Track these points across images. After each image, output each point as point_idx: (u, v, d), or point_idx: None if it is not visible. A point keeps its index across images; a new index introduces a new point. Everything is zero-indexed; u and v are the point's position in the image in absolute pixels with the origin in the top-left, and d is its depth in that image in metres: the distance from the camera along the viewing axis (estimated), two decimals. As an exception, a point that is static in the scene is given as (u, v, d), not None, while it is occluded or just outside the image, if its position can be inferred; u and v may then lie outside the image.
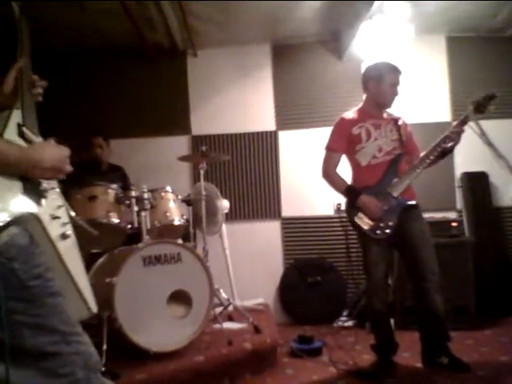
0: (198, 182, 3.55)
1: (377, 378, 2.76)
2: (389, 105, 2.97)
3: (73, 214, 1.52)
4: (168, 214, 3.15)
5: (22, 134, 1.28)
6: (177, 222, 3.19)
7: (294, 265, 4.61)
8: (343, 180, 2.94)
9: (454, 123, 2.81)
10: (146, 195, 3.00)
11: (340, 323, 4.21)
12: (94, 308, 1.47)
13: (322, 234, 4.64)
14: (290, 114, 4.75)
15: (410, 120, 3.17)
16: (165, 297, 2.67)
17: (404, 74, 2.99)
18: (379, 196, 2.79)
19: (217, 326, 3.14)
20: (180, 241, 3.38)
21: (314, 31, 4.60)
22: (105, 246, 3.05)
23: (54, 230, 1.31)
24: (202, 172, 3.44)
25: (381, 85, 2.90)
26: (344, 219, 3.07)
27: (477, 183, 4.51)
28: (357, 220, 2.83)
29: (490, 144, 2.61)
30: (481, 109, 2.67)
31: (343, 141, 2.94)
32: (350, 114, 3.01)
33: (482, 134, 2.62)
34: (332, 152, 2.97)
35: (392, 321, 3.09)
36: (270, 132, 4.76)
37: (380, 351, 2.91)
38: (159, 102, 4.72)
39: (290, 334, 3.67)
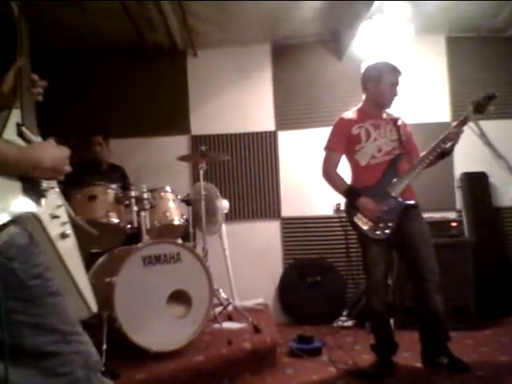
0: (198, 182, 3.55)
1: (377, 377, 2.76)
2: (388, 105, 2.97)
3: (72, 213, 1.52)
4: (168, 214, 3.15)
5: (21, 134, 1.27)
6: (176, 222, 3.19)
7: (293, 265, 4.61)
8: (343, 180, 2.94)
9: (454, 123, 2.81)
10: (145, 195, 3.00)
11: (340, 323, 4.21)
12: (94, 307, 1.47)
13: (322, 234, 4.64)
14: (290, 114, 4.75)
15: (409, 120, 3.17)
16: (164, 296, 2.67)
17: (404, 75, 2.99)
18: (378, 196, 2.79)
19: (216, 325, 3.14)
20: (180, 241, 3.38)
21: (313, 31, 4.61)
22: (104, 245, 3.05)
23: (54, 229, 1.31)
24: (201, 172, 3.44)
25: (380, 85, 2.90)
26: (344, 219, 3.08)
27: (476, 183, 4.52)
28: (356, 220, 2.83)
29: (489, 144, 2.60)
30: (480, 109, 2.67)
31: (343, 141, 2.94)
32: (350, 114, 3.01)
33: (482, 135, 2.62)
34: (332, 152, 2.97)
35: (392, 321, 3.09)
36: (270, 132, 4.76)
37: (380, 351, 2.91)
38: (159, 101, 4.72)
39: (289, 333, 3.67)
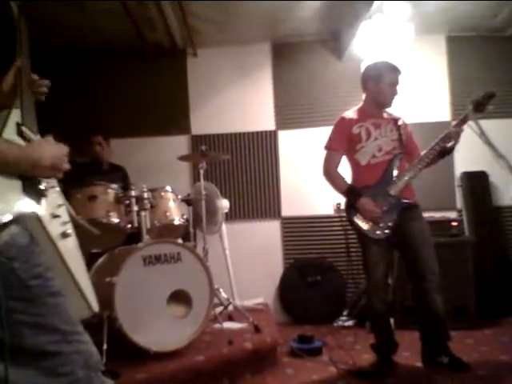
0: (198, 182, 3.55)
1: (377, 377, 2.76)
2: (388, 104, 2.97)
3: (73, 212, 1.52)
4: (168, 214, 3.15)
5: (21, 133, 1.27)
6: (177, 222, 3.19)
7: (293, 264, 4.61)
8: (344, 180, 2.94)
9: (454, 122, 2.81)
10: (145, 195, 3.00)
11: (340, 323, 4.21)
12: (96, 307, 1.46)
13: (322, 234, 4.64)
14: (290, 114, 4.75)
15: (409, 119, 3.17)
16: (165, 296, 2.67)
17: (404, 74, 2.99)
18: (379, 196, 2.79)
19: (217, 325, 3.13)
20: (180, 240, 3.38)
21: (313, 31, 4.61)
22: (105, 245, 3.05)
23: (55, 228, 1.30)
24: (201, 171, 3.44)
25: (380, 84, 2.90)
26: (344, 219, 3.07)
27: (477, 183, 4.52)
28: (356, 220, 2.83)
29: (489, 143, 2.60)
30: (480, 108, 2.67)
31: (343, 140, 2.94)
32: (350, 113, 3.01)
33: (482, 134, 2.62)
34: (332, 151, 2.97)
35: (392, 320, 3.09)
36: (270, 132, 4.76)
37: (380, 351, 2.91)
38: (159, 101, 4.72)
39: (289, 333, 3.67)
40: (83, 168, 3.67)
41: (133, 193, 2.99)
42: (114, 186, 3.04)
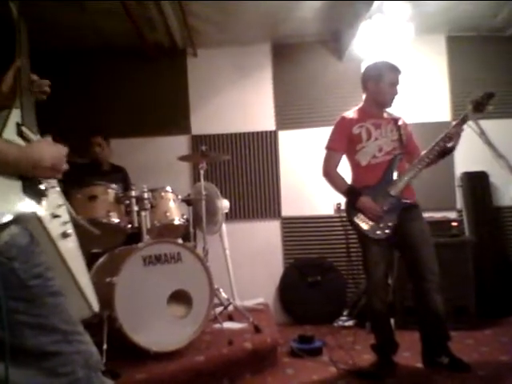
0: (198, 182, 3.55)
1: (377, 377, 2.76)
2: (388, 104, 2.97)
3: (73, 212, 1.52)
4: (168, 214, 3.15)
5: (21, 134, 1.27)
6: (177, 222, 3.19)
7: (294, 264, 4.61)
8: (344, 180, 2.94)
9: (454, 123, 2.81)
10: (146, 195, 3.00)
11: (340, 323, 4.21)
12: (96, 307, 1.46)
13: (322, 234, 4.64)
14: (290, 114, 4.75)
15: (409, 120, 3.17)
16: (165, 296, 2.67)
17: (404, 74, 2.99)
18: (379, 196, 2.79)
19: (217, 325, 3.14)
20: (180, 240, 3.38)
21: (314, 31, 4.60)
22: (105, 245, 3.05)
23: (55, 228, 1.30)
24: (201, 172, 3.44)
25: (380, 84, 2.90)
26: (344, 219, 3.07)
27: (477, 183, 4.52)
28: (357, 220, 2.83)
29: (489, 144, 2.60)
30: (480, 108, 2.68)
31: (344, 140, 2.94)
32: (351, 113, 3.01)
33: (482, 134, 2.62)
34: (333, 151, 2.97)
35: (392, 321, 3.09)
36: (270, 132, 4.76)
37: (380, 351, 2.91)
38: (159, 101, 4.72)
39: (290, 333, 3.67)
40: (83, 169, 3.67)
41: (133, 193, 2.99)
42: (114, 186, 3.04)
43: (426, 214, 3.04)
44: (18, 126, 1.28)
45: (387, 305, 2.92)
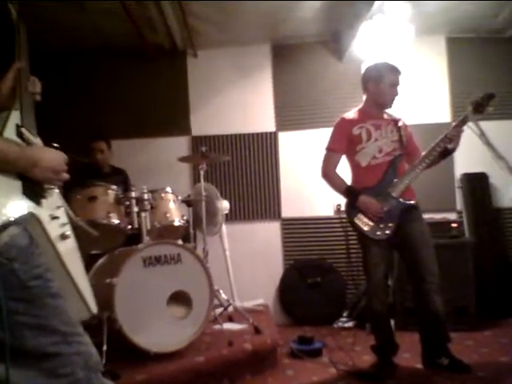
0: (198, 183, 3.55)
1: (377, 379, 2.75)
2: (389, 105, 2.96)
3: (72, 214, 1.52)
4: (168, 215, 3.15)
5: (20, 135, 1.28)
6: (177, 223, 3.19)
7: (293, 265, 4.61)
8: (343, 180, 2.93)
9: (454, 124, 2.80)
10: (146, 196, 2.99)
11: (340, 324, 4.20)
12: (94, 309, 1.47)
13: (322, 235, 4.64)
14: (290, 115, 4.75)
15: (409, 121, 3.17)
16: (165, 297, 2.67)
17: (404, 75, 2.99)
18: (379, 197, 2.79)
19: (217, 326, 3.14)
20: (180, 242, 3.37)
21: (314, 32, 4.60)
22: (105, 246, 3.04)
23: (54, 230, 1.31)
24: (201, 173, 3.44)
25: (380, 85, 2.90)
26: (344, 220, 3.07)
27: (477, 184, 4.52)
28: (357, 221, 2.82)
29: (489, 145, 2.60)
30: (480, 109, 2.67)
31: (343, 141, 2.93)
32: (351, 114, 3.00)
33: (482, 135, 2.62)
34: (332, 152, 2.97)
35: (392, 322, 3.09)
36: (270, 133, 4.76)
37: (380, 352, 2.90)
38: (159, 102, 4.72)
39: (290, 334, 3.67)
40: (83, 171, 3.64)
41: (133, 194, 2.98)
42: (114, 186, 3.03)
43: (425, 215, 3.04)
44: (18, 127, 1.28)
45: (387, 306, 2.92)
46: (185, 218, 3.31)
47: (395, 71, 2.92)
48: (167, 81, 4.73)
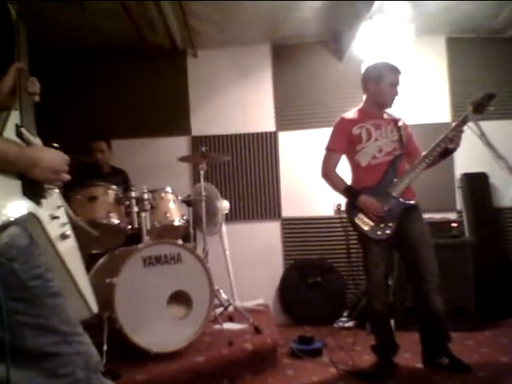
0: (198, 183, 3.55)
1: (377, 378, 2.75)
2: (389, 105, 2.97)
3: (72, 214, 1.52)
4: (168, 215, 3.15)
5: (20, 135, 1.28)
6: (177, 223, 3.19)
7: (294, 265, 4.61)
8: (342, 180, 2.93)
9: (454, 124, 2.80)
10: (146, 196, 3.00)
11: (340, 324, 4.20)
12: (95, 308, 1.47)
13: (322, 235, 4.64)
14: (290, 115, 4.75)
15: (409, 121, 3.17)
16: (165, 297, 2.67)
17: (404, 75, 2.99)
18: (379, 196, 2.79)
19: (217, 326, 3.13)
20: (180, 241, 3.37)
21: (314, 32, 4.60)
22: (105, 246, 3.05)
23: (54, 230, 1.31)
24: (201, 173, 3.44)
25: (380, 85, 2.90)
26: (344, 220, 3.07)
27: (477, 184, 4.52)
28: (357, 221, 2.82)
29: (489, 145, 2.60)
30: (480, 109, 2.67)
31: (343, 141, 2.93)
32: (351, 114, 3.00)
33: (482, 135, 2.62)
34: (332, 152, 2.97)
35: (392, 321, 3.09)
36: (270, 133, 4.76)
37: (380, 352, 2.91)
38: (159, 102, 4.72)
39: (290, 334, 3.66)
40: (83, 171, 3.64)
41: (133, 194, 2.99)
42: (114, 186, 3.03)
43: (426, 215, 3.04)
44: (17, 127, 1.28)
45: (387, 306, 2.92)
46: (185, 217, 3.31)
47: (395, 71, 2.92)
48: (167, 81, 4.73)
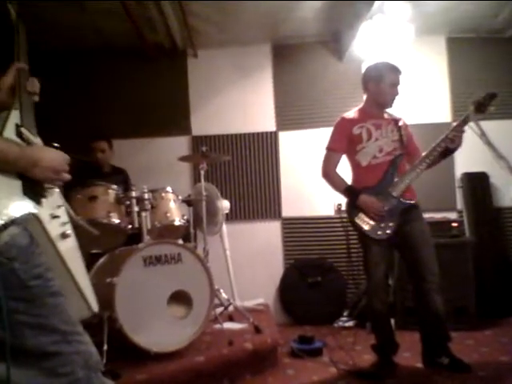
0: (199, 183, 3.55)
1: (377, 378, 2.75)
2: (389, 105, 2.97)
3: (72, 213, 1.52)
4: (168, 215, 3.15)
5: (20, 135, 1.28)
6: (177, 223, 3.19)
7: (294, 265, 4.61)
8: (343, 180, 2.93)
9: (455, 123, 2.80)
10: (146, 195, 3.00)
11: (340, 323, 4.20)
12: (95, 307, 1.47)
13: (323, 235, 4.64)
14: (291, 115, 4.75)
15: (410, 121, 3.17)
16: (165, 297, 2.67)
17: (404, 75, 2.99)
18: (380, 196, 2.79)
19: (217, 326, 3.13)
20: (180, 241, 3.37)
21: (314, 32, 4.60)
22: (105, 246, 3.04)
23: (54, 229, 1.31)
24: (202, 172, 3.44)
25: (381, 85, 2.90)
26: (344, 219, 3.07)
27: (477, 184, 4.52)
28: (357, 220, 2.82)
29: (490, 144, 2.60)
30: (481, 108, 2.67)
31: (344, 141, 2.93)
32: (351, 113, 3.00)
33: (483, 135, 2.62)
34: (332, 152, 2.97)
35: (392, 321, 3.09)
36: (271, 132, 4.76)
37: (380, 351, 2.91)
38: (159, 102, 4.71)
39: (290, 334, 3.67)
40: (83, 170, 3.64)
41: (133, 193, 2.99)
42: (115, 186, 3.03)
43: (426, 215, 3.04)
44: (18, 127, 1.28)
45: (387, 305, 2.92)
46: (185, 217, 3.31)
47: (395, 71, 2.92)
48: (167, 81, 4.73)
